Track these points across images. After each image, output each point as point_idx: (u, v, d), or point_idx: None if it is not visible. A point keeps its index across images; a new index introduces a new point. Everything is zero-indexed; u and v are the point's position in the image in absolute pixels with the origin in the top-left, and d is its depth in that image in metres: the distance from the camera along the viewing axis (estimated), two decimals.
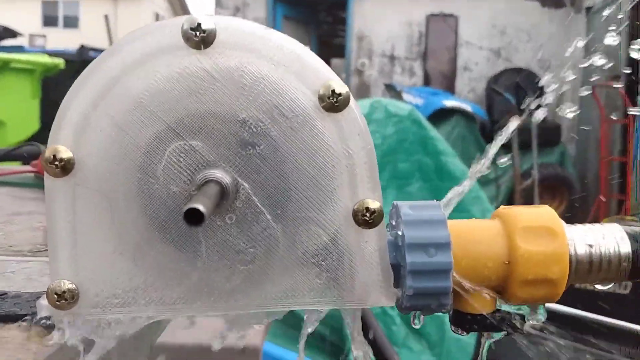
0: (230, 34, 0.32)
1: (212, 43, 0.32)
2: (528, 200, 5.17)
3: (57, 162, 0.32)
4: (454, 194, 0.39)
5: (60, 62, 3.51)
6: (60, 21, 14.24)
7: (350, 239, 0.34)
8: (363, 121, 0.33)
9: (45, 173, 0.33)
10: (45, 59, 3.46)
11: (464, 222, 0.37)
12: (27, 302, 0.38)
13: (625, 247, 0.36)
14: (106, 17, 4.97)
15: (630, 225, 0.38)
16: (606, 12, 0.49)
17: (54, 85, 3.61)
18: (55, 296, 0.33)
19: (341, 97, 0.32)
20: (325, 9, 7.73)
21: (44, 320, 0.35)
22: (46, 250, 0.56)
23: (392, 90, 5.52)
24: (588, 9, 6.30)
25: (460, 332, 0.37)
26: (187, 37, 0.31)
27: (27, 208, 0.85)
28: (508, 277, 0.35)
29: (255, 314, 0.36)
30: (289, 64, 0.32)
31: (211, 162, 0.33)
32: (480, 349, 0.38)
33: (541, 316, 0.37)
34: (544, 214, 0.36)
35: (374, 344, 0.83)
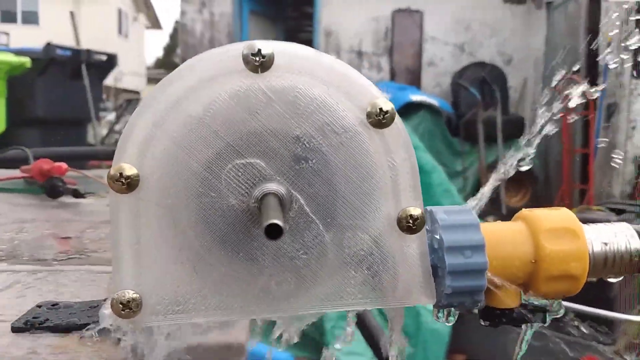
0: (286, 58, 0.34)
1: (270, 67, 0.34)
2: (494, 192, 5.30)
3: (123, 180, 0.34)
4: (480, 197, 0.42)
5: (26, 60, 3.42)
6: (19, 17, 13.77)
7: (394, 244, 0.37)
8: (406, 135, 0.36)
9: (109, 189, 0.35)
10: (12, 58, 3.36)
11: (492, 225, 0.41)
12: (82, 312, 0.39)
13: (635, 244, 0.40)
14: (72, 13, 4.85)
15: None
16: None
17: (20, 84, 3.53)
18: (121, 305, 0.35)
19: (388, 114, 0.35)
20: (291, 4, 7.72)
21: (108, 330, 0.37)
22: (71, 258, 0.58)
23: None
24: (548, 4, 6.49)
25: (490, 326, 0.41)
26: (247, 62, 0.34)
27: (27, 215, 0.85)
28: (534, 274, 0.39)
29: (305, 315, 0.38)
30: (339, 84, 0.35)
31: (267, 176, 0.35)
32: (519, 341, 0.41)
33: (562, 309, 0.41)
34: (564, 216, 0.40)
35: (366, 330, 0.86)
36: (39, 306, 0.41)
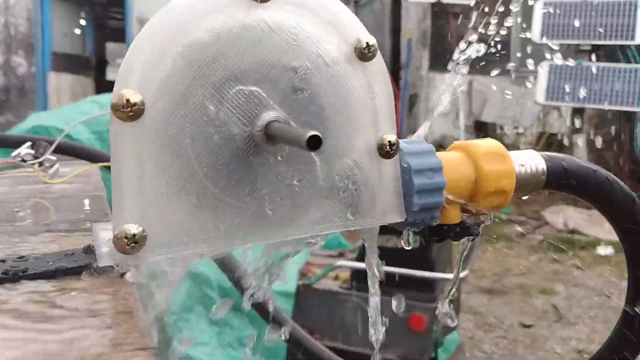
0: None
1: None
2: None
3: (128, 107, 0.33)
4: (423, 129, 0.49)
5: None
6: None
7: (374, 168, 0.42)
8: (385, 69, 0.41)
9: (112, 118, 0.33)
10: None
11: (438, 154, 0.47)
12: (61, 260, 0.37)
13: (542, 165, 0.50)
14: None
15: None
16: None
17: None
18: (125, 240, 0.34)
19: (372, 48, 0.39)
20: None
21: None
22: None
23: None
24: (356, 2, 7.02)
25: (437, 241, 0.48)
26: None
27: None
28: (475, 191, 0.47)
29: (295, 242, 0.41)
30: (333, 20, 0.38)
31: (267, 105, 0.37)
32: (463, 252, 0.48)
33: (489, 221, 0.49)
34: (493, 143, 0.48)
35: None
36: (2, 261, 0.36)
